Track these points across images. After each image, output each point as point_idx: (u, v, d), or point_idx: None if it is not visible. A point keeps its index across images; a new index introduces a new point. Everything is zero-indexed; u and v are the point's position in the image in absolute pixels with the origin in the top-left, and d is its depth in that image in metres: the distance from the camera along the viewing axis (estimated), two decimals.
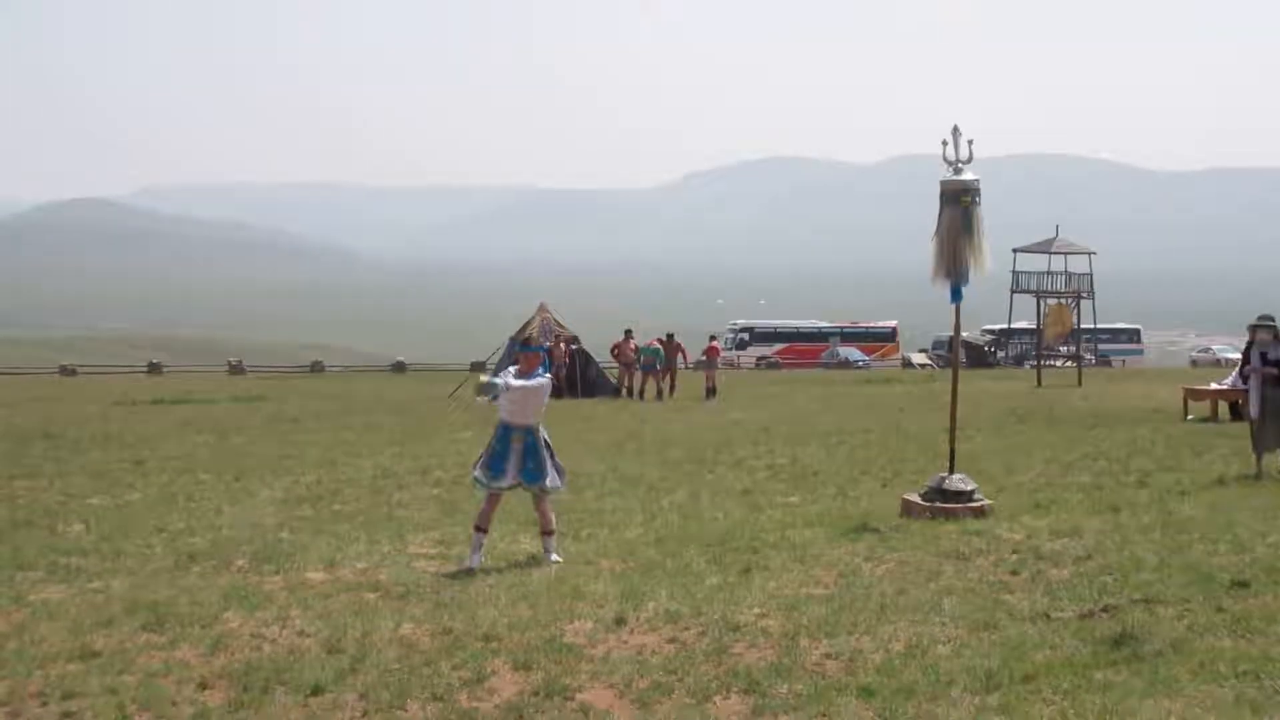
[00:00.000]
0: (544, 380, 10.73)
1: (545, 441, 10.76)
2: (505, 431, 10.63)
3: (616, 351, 38.10)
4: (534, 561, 10.65)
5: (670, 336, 37.69)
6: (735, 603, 8.85)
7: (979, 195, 12.96)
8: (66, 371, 61.64)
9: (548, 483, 10.74)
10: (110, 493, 15.67)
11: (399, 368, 65.00)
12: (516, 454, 10.60)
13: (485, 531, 10.70)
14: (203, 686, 7.16)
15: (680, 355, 38.28)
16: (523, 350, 11.05)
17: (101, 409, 32.16)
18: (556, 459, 10.90)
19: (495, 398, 10.64)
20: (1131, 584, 9.13)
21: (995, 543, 10.99)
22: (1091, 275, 44.94)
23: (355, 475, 17.30)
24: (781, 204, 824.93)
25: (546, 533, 10.85)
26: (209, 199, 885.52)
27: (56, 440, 22.66)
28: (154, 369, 62.72)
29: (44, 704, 6.86)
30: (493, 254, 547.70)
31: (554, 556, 10.71)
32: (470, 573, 10.19)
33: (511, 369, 10.93)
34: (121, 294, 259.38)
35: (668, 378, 36.97)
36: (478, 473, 10.73)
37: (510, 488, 10.72)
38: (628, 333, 38.09)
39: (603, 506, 14.06)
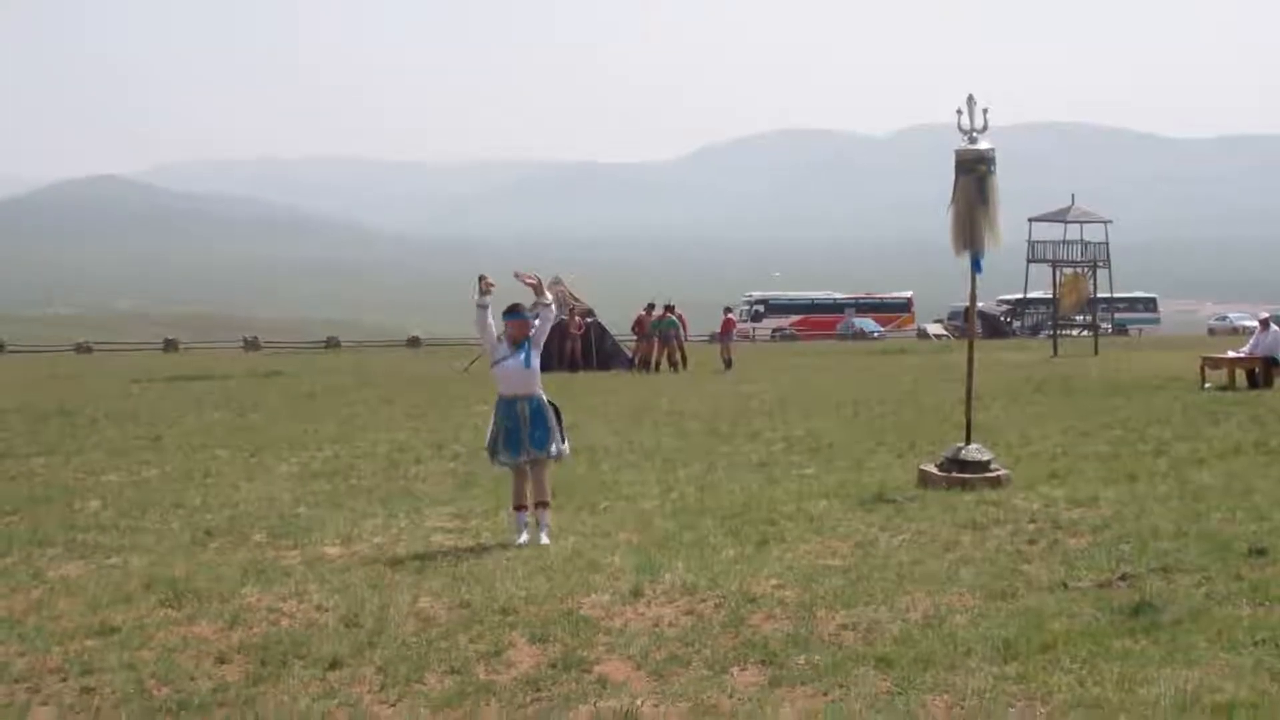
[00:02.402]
0: (520, 364, 10.34)
1: (553, 407, 10.52)
2: (509, 405, 10.38)
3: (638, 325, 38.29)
4: (551, 534, 10.60)
5: (669, 308, 37.79)
6: (752, 574, 8.84)
7: (994, 164, 12.89)
8: (82, 349, 61.88)
9: (553, 449, 10.48)
10: (127, 469, 15.71)
11: (414, 343, 65.10)
12: (524, 422, 10.35)
13: (527, 509, 10.46)
14: (221, 661, 7.17)
15: (681, 327, 38.40)
16: (509, 318, 10.53)
17: (118, 386, 32.29)
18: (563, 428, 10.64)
19: (482, 306, 10.34)
20: (1149, 553, 9.11)
21: (1012, 512, 10.97)
22: (1108, 244, 44.78)
23: (371, 450, 17.33)
24: (796, 176, 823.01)
25: (541, 504, 10.49)
26: (223, 175, 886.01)
27: (73, 417, 22.73)
28: (170, 346, 62.93)
29: (63, 679, 6.88)
30: (508, 228, 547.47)
31: (544, 538, 10.27)
32: (521, 549, 9.99)
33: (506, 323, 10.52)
34: (137, 271, 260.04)
35: (677, 349, 37.07)
36: (502, 457, 10.43)
37: (531, 461, 10.44)
38: (649, 307, 38.24)
39: (619, 479, 14.05)
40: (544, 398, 10.53)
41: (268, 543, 10.72)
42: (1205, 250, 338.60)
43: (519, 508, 10.49)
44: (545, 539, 10.28)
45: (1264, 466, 13.40)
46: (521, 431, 10.37)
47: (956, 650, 6.91)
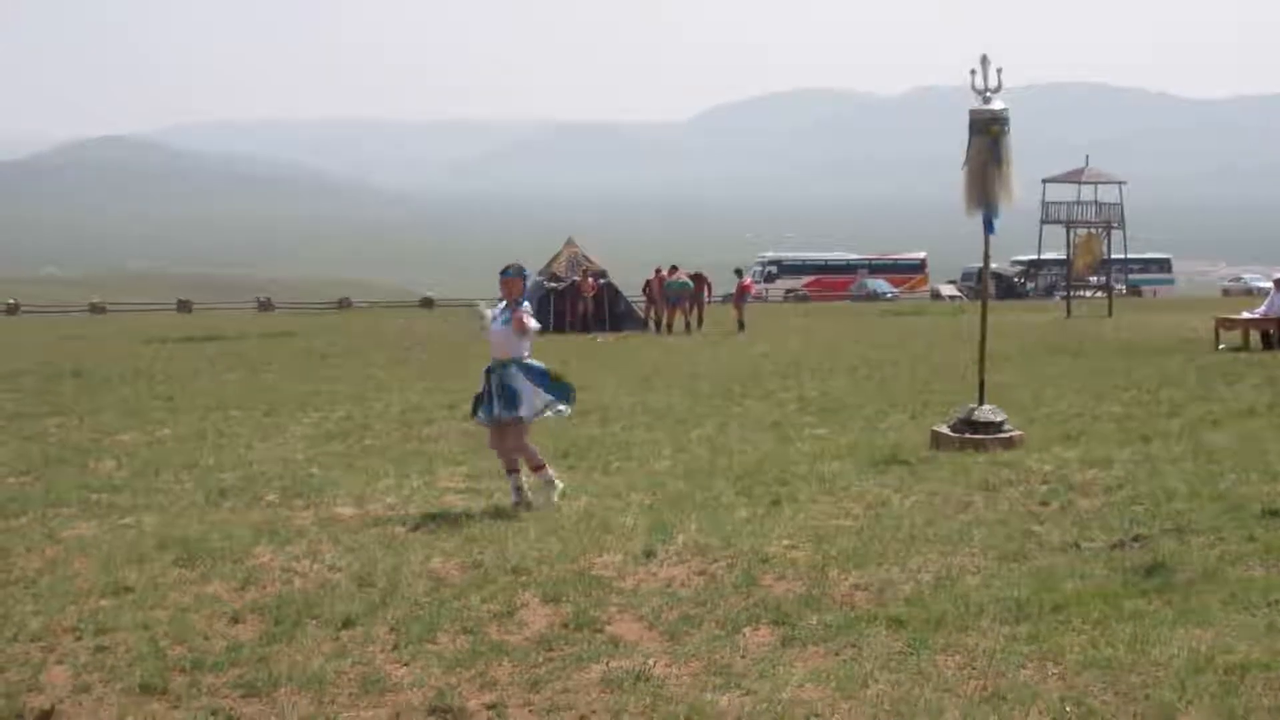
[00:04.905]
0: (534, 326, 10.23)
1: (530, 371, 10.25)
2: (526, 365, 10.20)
3: (648, 288, 38.29)
4: (563, 495, 10.59)
5: (675, 269, 37.84)
6: (764, 535, 8.85)
7: (1008, 125, 12.82)
8: (96, 310, 61.99)
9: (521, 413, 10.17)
10: (141, 429, 15.75)
11: (427, 303, 65.11)
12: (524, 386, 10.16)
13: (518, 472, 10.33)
14: (234, 620, 7.21)
15: (706, 290, 38.37)
16: (504, 276, 10.34)
17: (131, 346, 32.35)
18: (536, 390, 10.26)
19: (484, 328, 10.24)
20: (1162, 514, 9.10)
21: (1025, 474, 10.95)
22: (1122, 205, 44.58)
23: (384, 410, 17.34)
24: (809, 136, 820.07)
25: (512, 470, 10.31)
26: (237, 136, 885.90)
27: (87, 378, 22.78)
28: (183, 306, 63.02)
29: (78, 639, 6.92)
30: (519, 188, 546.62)
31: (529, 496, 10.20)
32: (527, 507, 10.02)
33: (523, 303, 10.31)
34: (151, 232, 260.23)
35: (695, 311, 37.05)
36: (523, 411, 10.04)
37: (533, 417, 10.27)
38: (658, 271, 38.24)
39: (631, 439, 14.05)
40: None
41: (281, 503, 10.75)
42: (1220, 211, 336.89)
43: (512, 470, 10.34)
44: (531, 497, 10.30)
45: (1278, 428, 13.35)
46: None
47: (968, 611, 6.91)
